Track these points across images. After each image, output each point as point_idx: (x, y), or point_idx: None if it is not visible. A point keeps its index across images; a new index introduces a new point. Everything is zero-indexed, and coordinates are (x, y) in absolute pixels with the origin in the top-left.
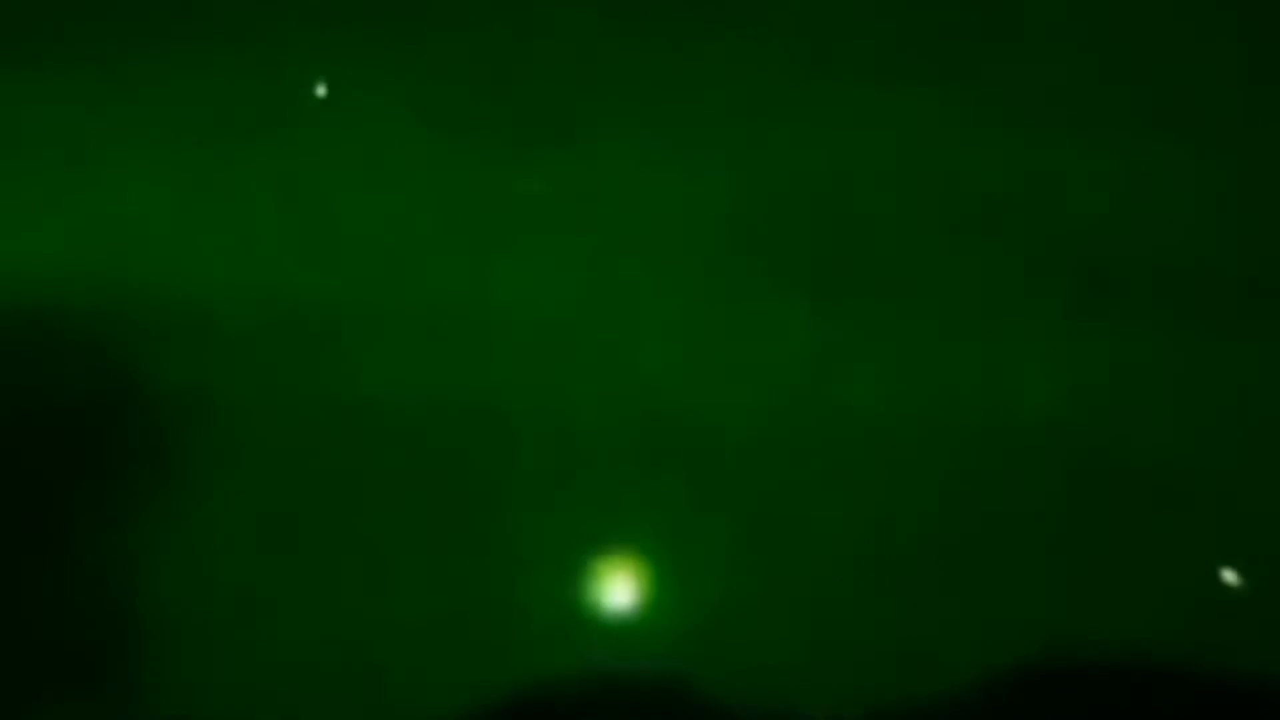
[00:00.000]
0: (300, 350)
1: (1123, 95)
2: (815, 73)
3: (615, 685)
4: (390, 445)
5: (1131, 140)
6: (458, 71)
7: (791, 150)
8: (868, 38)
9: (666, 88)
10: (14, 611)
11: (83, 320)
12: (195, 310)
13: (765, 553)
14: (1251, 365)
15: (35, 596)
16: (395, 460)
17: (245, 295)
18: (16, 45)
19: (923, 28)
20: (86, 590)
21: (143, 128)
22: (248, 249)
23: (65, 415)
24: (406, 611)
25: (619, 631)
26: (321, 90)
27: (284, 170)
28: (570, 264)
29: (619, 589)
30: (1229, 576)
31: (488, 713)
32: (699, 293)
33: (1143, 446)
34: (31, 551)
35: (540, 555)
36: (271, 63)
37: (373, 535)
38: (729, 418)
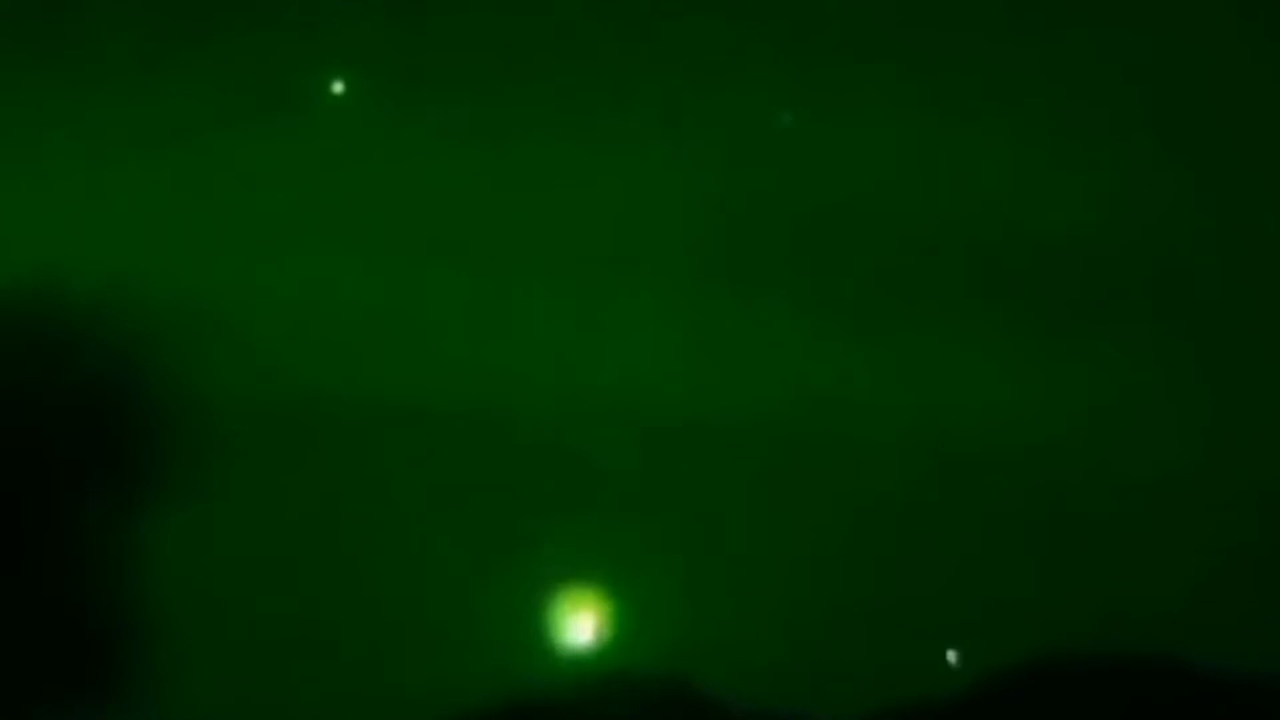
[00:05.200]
0: (298, 350)
1: (1117, 99)
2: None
3: (614, 685)
4: (386, 446)
5: (1121, 148)
6: (452, 69)
7: (782, 152)
8: (858, 34)
9: (659, 86)
10: (11, 610)
11: (81, 321)
12: (193, 310)
13: (762, 552)
14: (1246, 376)
15: (32, 595)
16: (391, 460)
17: (244, 295)
18: (15, 46)
19: (916, 21)
20: (83, 589)
21: (143, 126)
22: (246, 249)
23: (61, 416)
24: (403, 612)
25: (617, 631)
26: (337, 87)
27: (285, 171)
28: (567, 264)
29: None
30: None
31: (485, 713)
32: (691, 295)
33: (1128, 455)
34: (28, 550)
35: (538, 555)
36: (274, 61)
37: (370, 535)
38: (716, 419)
